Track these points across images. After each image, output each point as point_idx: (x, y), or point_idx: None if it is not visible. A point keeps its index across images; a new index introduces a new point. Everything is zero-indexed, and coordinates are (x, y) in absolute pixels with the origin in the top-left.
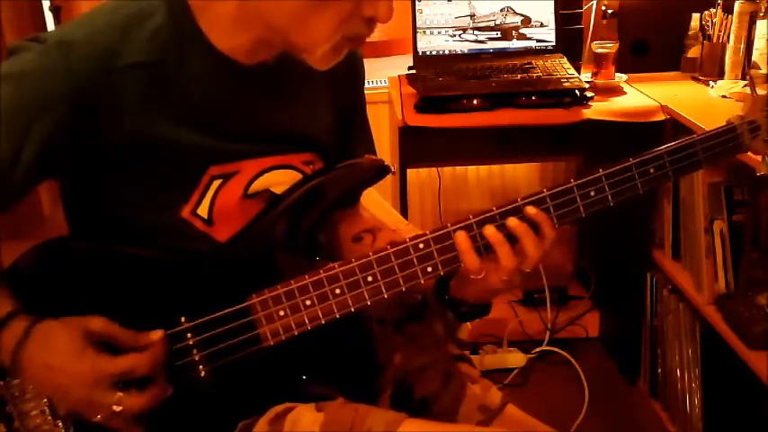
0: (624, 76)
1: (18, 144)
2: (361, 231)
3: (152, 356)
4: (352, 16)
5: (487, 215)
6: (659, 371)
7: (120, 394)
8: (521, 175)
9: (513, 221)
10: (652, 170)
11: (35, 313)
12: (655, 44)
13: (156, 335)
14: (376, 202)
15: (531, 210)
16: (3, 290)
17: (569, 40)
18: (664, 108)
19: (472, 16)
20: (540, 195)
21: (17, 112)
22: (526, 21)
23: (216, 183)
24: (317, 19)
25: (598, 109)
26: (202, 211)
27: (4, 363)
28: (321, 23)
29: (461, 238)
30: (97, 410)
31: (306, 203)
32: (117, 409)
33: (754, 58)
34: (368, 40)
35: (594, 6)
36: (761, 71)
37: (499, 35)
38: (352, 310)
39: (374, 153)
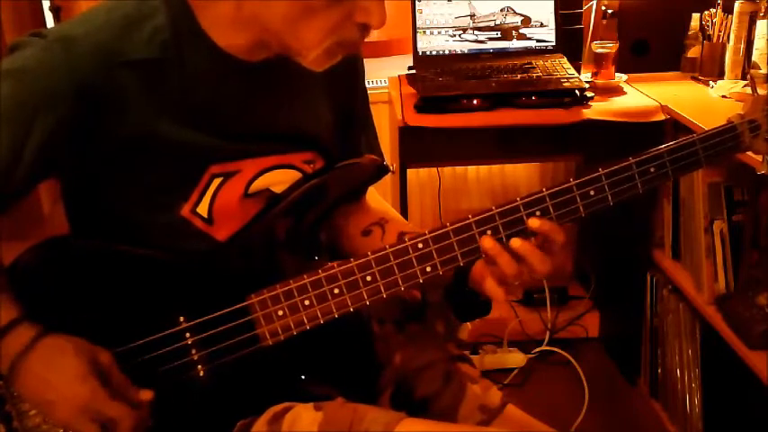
0: (624, 76)
1: (19, 141)
2: (369, 225)
3: (138, 419)
4: (344, 21)
5: (486, 215)
6: (659, 371)
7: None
8: (521, 175)
9: (516, 242)
10: (652, 169)
11: (34, 315)
12: (655, 44)
13: (146, 395)
14: (376, 201)
15: (534, 222)
16: (7, 294)
17: (569, 40)
18: (664, 108)
19: (472, 16)
20: (540, 195)
21: (19, 108)
22: (526, 21)
23: (216, 181)
24: (309, 23)
25: (598, 109)
26: (202, 209)
27: (1, 368)
28: (312, 28)
29: (489, 244)
30: None
31: (305, 203)
32: None
33: (754, 58)
34: (368, 39)
35: (594, 6)
36: (761, 71)
37: (499, 35)
38: (351, 309)
39: (378, 150)
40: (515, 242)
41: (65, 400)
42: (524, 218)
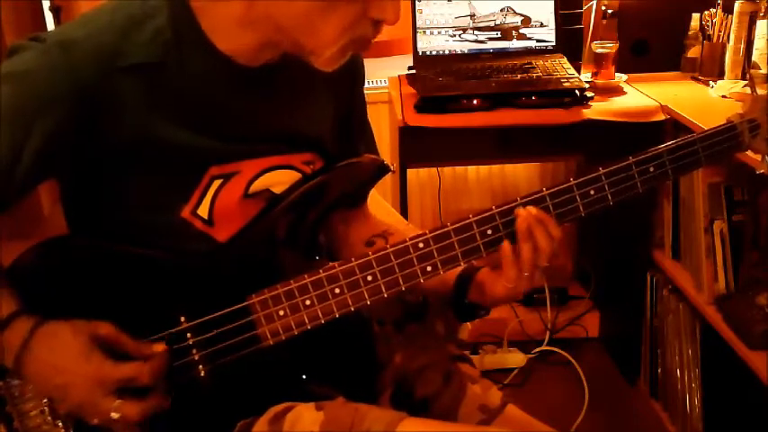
0: (624, 76)
1: (19, 143)
2: (373, 236)
3: (154, 367)
4: (360, 18)
5: (487, 215)
6: (659, 371)
7: (119, 402)
8: (521, 175)
9: (532, 209)
10: (652, 169)
11: (36, 312)
12: (655, 44)
13: (160, 347)
14: (376, 202)
15: (531, 209)
16: (5, 289)
17: (569, 40)
18: (664, 108)
19: (472, 16)
20: (540, 194)
21: (18, 111)
22: (526, 21)
23: (216, 183)
24: (326, 21)
25: (598, 109)
26: (202, 211)
27: (6, 362)
28: (330, 26)
29: (507, 248)
30: (95, 414)
31: (306, 203)
32: (115, 416)
33: (754, 58)
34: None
35: (594, 6)
36: (761, 71)
37: (499, 35)
38: (352, 309)
39: (376, 152)
40: (532, 209)
41: (76, 381)
42: None
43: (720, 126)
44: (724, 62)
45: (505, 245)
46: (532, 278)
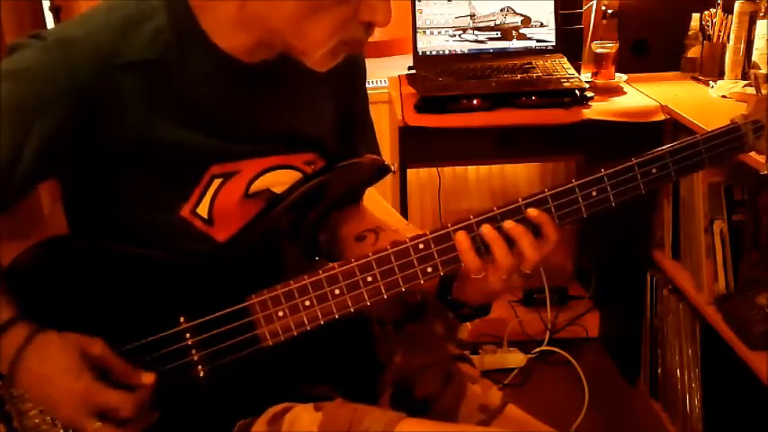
0: (624, 76)
1: (19, 142)
2: (364, 230)
3: (139, 401)
4: (350, 20)
5: (488, 215)
6: (659, 371)
7: (99, 425)
8: (521, 175)
9: (509, 224)
10: (654, 170)
11: (34, 314)
12: (655, 44)
13: (148, 378)
14: (376, 201)
15: (532, 211)
16: (3, 295)
17: (569, 40)
18: (664, 108)
19: (472, 16)
20: (542, 195)
21: (18, 109)
22: (526, 21)
23: (216, 182)
24: (315, 22)
25: (598, 109)
26: (202, 210)
27: (1, 368)
28: (319, 27)
29: (461, 237)
30: (76, 430)
31: (306, 203)
32: None
33: (754, 58)
34: (368, 39)
35: (594, 6)
36: (761, 71)
37: (499, 35)
38: (352, 310)
39: (377, 152)
40: (508, 223)
41: (63, 396)
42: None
43: (724, 127)
44: (724, 62)
45: (457, 235)
46: (509, 281)
